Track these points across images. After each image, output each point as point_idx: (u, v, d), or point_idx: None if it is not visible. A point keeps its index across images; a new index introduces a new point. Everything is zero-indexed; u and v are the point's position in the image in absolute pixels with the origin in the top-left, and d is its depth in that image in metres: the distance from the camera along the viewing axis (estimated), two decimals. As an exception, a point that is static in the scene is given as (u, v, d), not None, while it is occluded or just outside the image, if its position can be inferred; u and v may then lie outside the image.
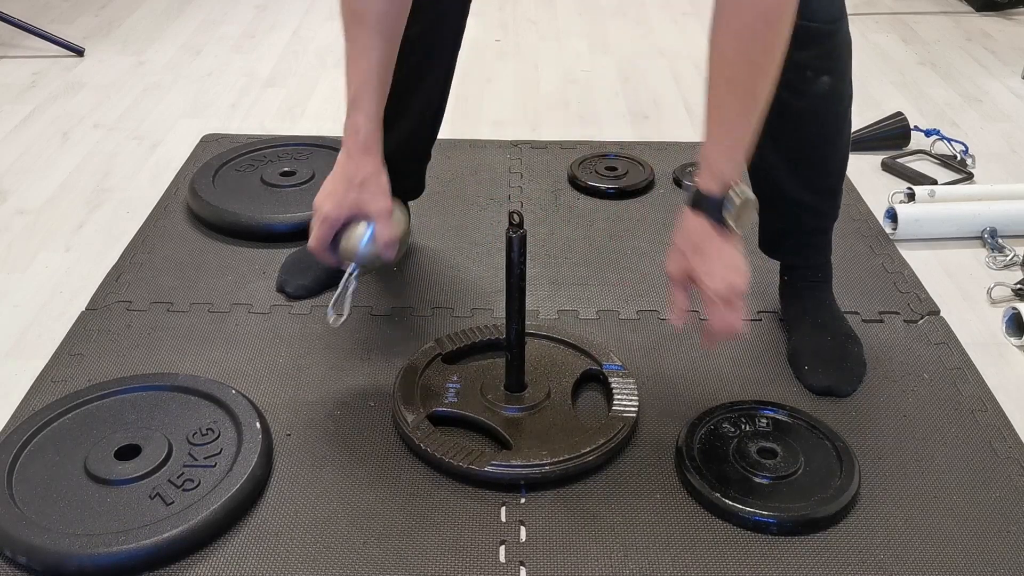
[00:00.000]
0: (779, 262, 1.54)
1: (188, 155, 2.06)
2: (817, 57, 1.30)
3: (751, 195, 1.14)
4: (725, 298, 1.13)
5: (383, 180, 1.26)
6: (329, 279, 1.60)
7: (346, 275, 1.29)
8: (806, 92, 1.32)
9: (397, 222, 1.31)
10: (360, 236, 1.26)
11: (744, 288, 1.14)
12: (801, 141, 1.38)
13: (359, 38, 1.23)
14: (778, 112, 1.36)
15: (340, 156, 1.26)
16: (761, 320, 1.55)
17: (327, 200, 1.24)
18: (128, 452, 1.24)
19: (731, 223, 1.13)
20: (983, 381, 1.42)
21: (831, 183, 1.45)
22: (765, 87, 1.11)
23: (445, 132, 1.65)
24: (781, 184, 1.42)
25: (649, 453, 1.29)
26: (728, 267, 1.14)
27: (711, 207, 1.13)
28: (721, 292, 1.13)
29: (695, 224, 1.15)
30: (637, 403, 1.34)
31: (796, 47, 1.29)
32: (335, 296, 1.29)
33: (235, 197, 1.82)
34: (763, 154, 1.42)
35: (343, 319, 1.28)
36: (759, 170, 1.45)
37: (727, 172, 1.13)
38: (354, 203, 1.23)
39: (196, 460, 1.23)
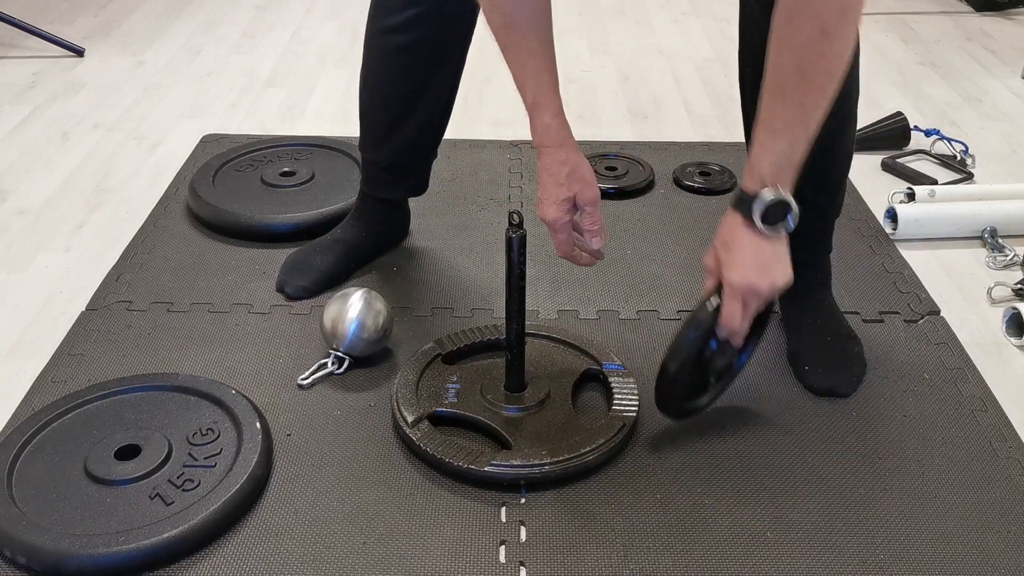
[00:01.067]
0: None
1: (188, 155, 2.06)
2: None
3: (787, 198, 1.14)
4: (738, 293, 1.16)
5: (586, 169, 1.27)
6: (329, 280, 1.60)
7: (343, 364, 1.41)
8: None
9: (378, 312, 1.42)
10: (352, 324, 1.40)
11: (765, 291, 1.16)
12: None
13: (518, 45, 1.25)
14: None
15: (539, 164, 1.28)
16: (761, 320, 1.55)
17: (547, 209, 1.27)
18: (128, 452, 1.24)
19: (757, 221, 1.14)
20: (983, 381, 1.42)
21: (834, 180, 1.44)
22: (819, 103, 1.09)
23: (445, 132, 1.65)
24: None
25: (649, 453, 1.29)
26: (752, 266, 1.15)
27: (743, 204, 1.15)
28: (736, 286, 1.15)
29: (729, 220, 1.17)
30: (637, 403, 1.33)
31: None
32: (312, 373, 1.40)
33: (235, 197, 1.82)
34: None
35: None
36: None
37: (768, 175, 1.13)
38: (568, 199, 1.26)
39: (196, 460, 1.23)
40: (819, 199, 1.44)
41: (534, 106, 1.26)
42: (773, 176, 1.13)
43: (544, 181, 1.27)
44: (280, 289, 1.61)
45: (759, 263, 1.16)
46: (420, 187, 1.69)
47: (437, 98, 1.56)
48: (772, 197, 1.13)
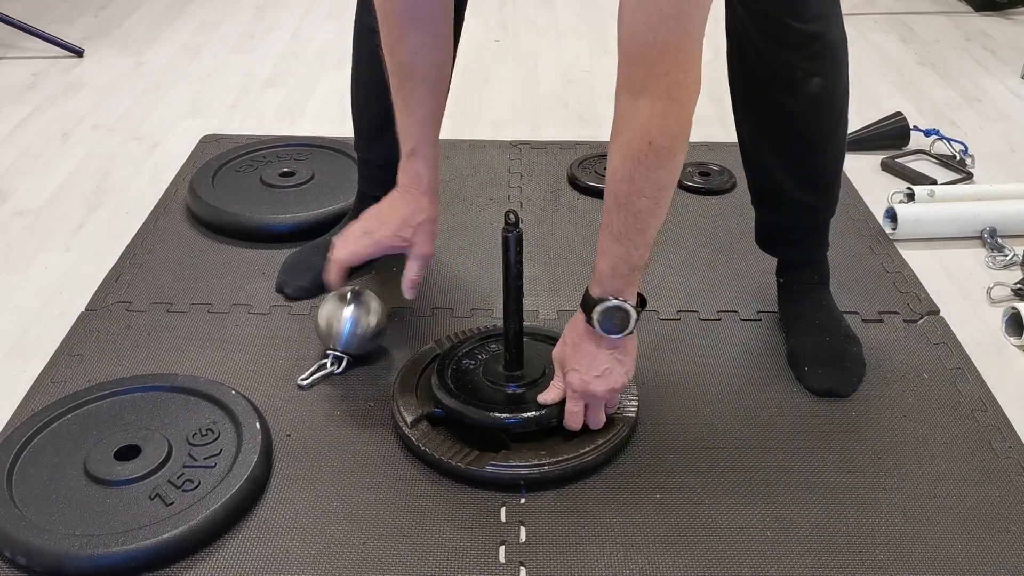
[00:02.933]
0: (775, 262, 1.54)
1: (188, 155, 2.06)
2: (807, 59, 1.31)
3: (626, 306, 1.16)
4: (578, 396, 1.22)
5: (435, 227, 1.36)
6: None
7: (343, 364, 1.41)
8: (798, 93, 1.33)
9: (373, 310, 1.43)
10: (351, 322, 1.40)
11: (599, 394, 1.21)
12: (796, 140, 1.39)
13: (410, 93, 1.30)
14: (772, 111, 1.37)
15: (394, 194, 1.34)
16: (761, 320, 1.55)
17: (376, 223, 1.33)
18: (128, 453, 1.24)
19: (598, 328, 1.16)
20: (983, 381, 1.42)
21: (826, 181, 1.45)
22: (651, 211, 1.10)
23: (444, 132, 1.62)
24: (777, 181, 1.43)
25: (649, 453, 1.29)
26: (593, 372, 1.20)
27: (587, 309, 1.17)
28: (576, 389, 1.21)
29: (577, 322, 1.21)
30: (637, 403, 1.33)
31: (786, 49, 1.30)
32: (311, 373, 1.41)
33: (235, 197, 1.82)
34: (759, 152, 1.43)
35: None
36: (756, 167, 1.46)
37: (608, 280, 1.15)
38: (405, 240, 1.34)
39: (196, 460, 1.23)
40: (811, 198, 1.45)
41: (412, 152, 1.32)
42: (614, 280, 1.15)
43: (392, 207, 1.33)
44: (280, 289, 1.61)
45: (600, 369, 1.20)
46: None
47: None
48: (611, 305, 1.15)
